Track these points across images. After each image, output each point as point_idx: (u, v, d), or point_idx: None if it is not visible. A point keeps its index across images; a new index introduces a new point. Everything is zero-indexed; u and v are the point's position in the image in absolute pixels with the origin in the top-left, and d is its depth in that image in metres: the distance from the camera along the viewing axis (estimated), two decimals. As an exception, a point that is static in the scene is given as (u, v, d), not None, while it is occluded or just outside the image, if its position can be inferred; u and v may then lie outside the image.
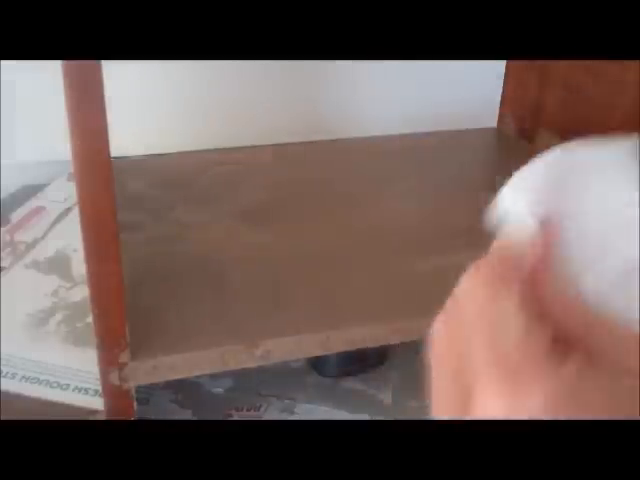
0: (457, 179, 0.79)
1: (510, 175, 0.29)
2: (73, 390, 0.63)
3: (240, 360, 0.53)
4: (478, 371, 0.25)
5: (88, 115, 0.43)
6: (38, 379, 0.64)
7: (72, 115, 0.43)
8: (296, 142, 0.92)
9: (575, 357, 0.24)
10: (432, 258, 0.63)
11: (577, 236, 0.26)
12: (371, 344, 0.57)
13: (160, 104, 0.96)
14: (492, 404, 0.25)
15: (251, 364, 0.53)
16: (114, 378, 0.50)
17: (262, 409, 0.65)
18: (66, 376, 0.64)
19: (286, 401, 0.66)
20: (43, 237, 0.85)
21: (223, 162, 0.81)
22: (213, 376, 0.66)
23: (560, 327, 0.25)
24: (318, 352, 0.56)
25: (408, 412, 0.65)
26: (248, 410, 0.64)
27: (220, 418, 0.63)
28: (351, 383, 0.68)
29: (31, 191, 0.94)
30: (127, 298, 0.49)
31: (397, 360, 0.70)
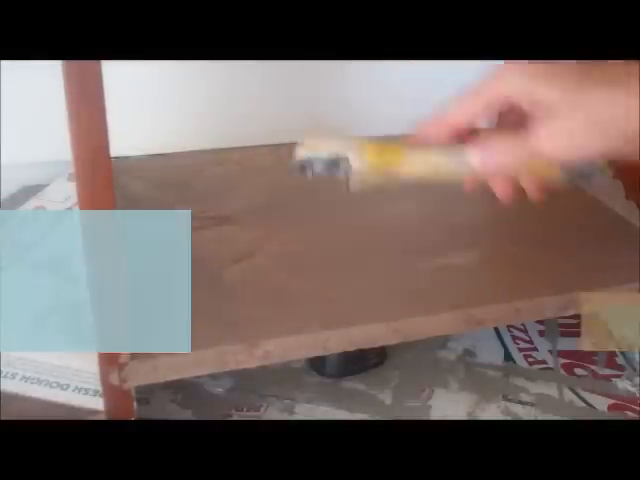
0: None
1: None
2: (73, 390, 0.63)
3: (240, 360, 0.53)
4: None
5: (88, 115, 0.43)
6: (38, 379, 0.64)
7: (72, 115, 0.43)
8: (296, 142, 0.91)
9: None
10: (432, 258, 0.63)
11: None
12: (371, 344, 0.57)
13: (160, 104, 0.96)
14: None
15: (251, 364, 0.53)
16: (114, 378, 0.50)
17: (262, 409, 0.65)
18: (66, 376, 0.64)
19: (286, 401, 0.66)
20: (43, 237, 0.85)
21: (223, 162, 0.81)
22: (213, 376, 0.66)
23: None
24: (318, 352, 0.56)
25: (408, 412, 0.65)
26: (248, 410, 0.64)
27: (220, 418, 0.63)
28: (351, 383, 0.68)
29: (31, 191, 0.94)
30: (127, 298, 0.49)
31: (397, 360, 0.70)
